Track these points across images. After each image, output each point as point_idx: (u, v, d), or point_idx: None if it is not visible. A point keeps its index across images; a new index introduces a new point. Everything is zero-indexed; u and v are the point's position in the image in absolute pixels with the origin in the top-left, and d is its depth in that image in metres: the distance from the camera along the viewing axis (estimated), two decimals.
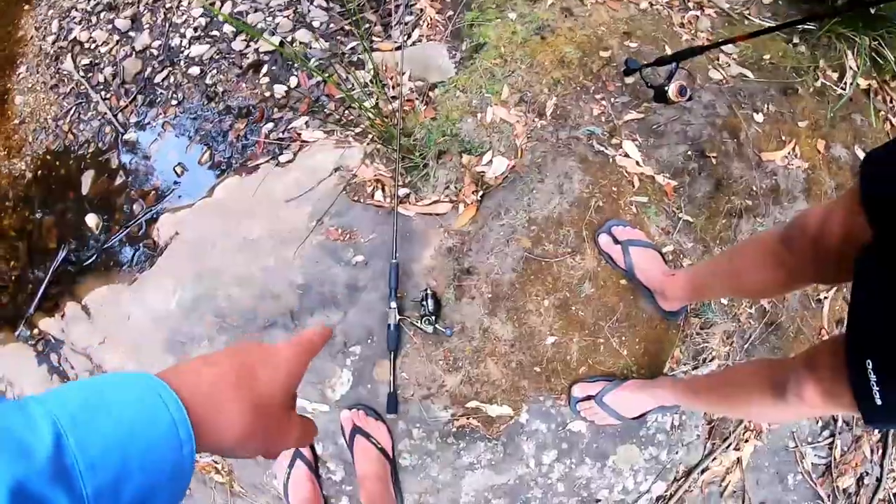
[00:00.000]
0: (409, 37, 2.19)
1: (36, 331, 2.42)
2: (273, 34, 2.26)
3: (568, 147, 2.00)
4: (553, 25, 2.15)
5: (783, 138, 2.33)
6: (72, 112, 2.69)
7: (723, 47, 2.47)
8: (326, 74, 1.96)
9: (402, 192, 1.94)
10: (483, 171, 1.93)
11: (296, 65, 2.18)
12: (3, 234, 2.75)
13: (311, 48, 2.22)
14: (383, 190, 1.96)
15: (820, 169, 2.34)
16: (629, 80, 2.15)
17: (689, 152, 2.17)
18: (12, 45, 3.04)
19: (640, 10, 2.34)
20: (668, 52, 2.28)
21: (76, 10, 2.87)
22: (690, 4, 2.53)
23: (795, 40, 2.63)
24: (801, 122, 2.37)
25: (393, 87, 2.09)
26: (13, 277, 2.66)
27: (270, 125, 2.18)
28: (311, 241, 1.98)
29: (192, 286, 2.12)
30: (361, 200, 1.96)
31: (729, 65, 2.39)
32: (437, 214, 1.92)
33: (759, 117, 2.32)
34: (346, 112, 2.09)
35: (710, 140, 2.21)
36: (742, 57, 2.46)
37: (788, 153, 2.31)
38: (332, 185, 2.01)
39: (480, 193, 1.93)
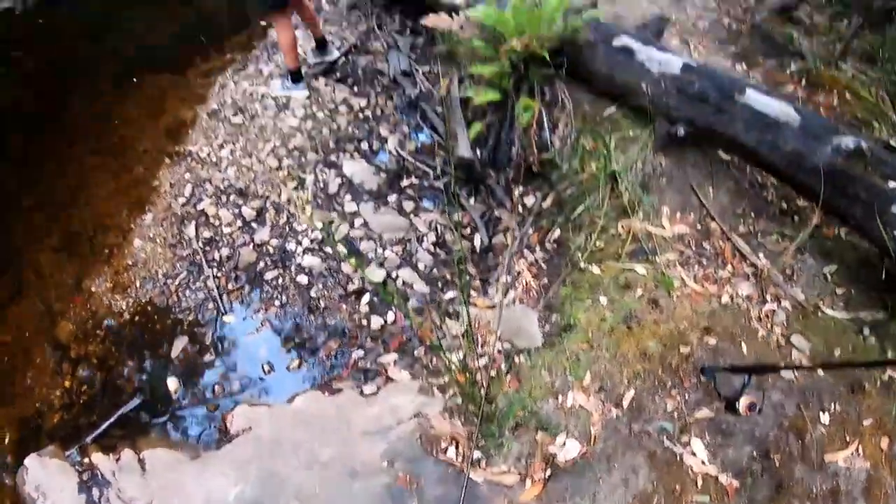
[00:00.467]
0: (505, 295, 2.38)
1: (87, 460, 2.46)
2: (381, 265, 2.49)
3: (639, 441, 2.08)
4: (640, 316, 2.31)
5: (847, 438, 2.34)
6: (182, 276, 2.94)
7: (795, 343, 2.57)
8: (420, 320, 2.13)
9: (475, 455, 2.03)
10: (555, 453, 2.01)
11: (395, 302, 2.37)
12: (86, 357, 2.93)
13: (412, 288, 2.43)
14: (457, 448, 2.05)
15: (881, 468, 2.33)
16: (704, 377, 2.25)
17: (755, 453, 2.21)
18: (147, 190, 3.39)
19: (720, 304, 2.49)
20: (745, 349, 2.40)
21: (210, 183, 3.23)
22: (768, 296, 2.66)
23: (866, 332, 2.70)
24: (865, 420, 2.39)
25: (482, 345, 2.25)
26: (81, 401, 2.80)
27: (361, 353, 2.34)
28: (380, 480, 2.06)
29: (255, 486, 2.19)
30: (435, 454, 2.06)
31: (801, 361, 2.47)
32: (505, 485, 1.99)
33: (825, 417, 2.36)
34: (434, 360, 2.24)
35: (775, 441, 2.25)
36: (814, 353, 2.54)
37: (851, 454, 2.32)
38: (410, 431, 2.13)
39: (549, 472, 2.00)
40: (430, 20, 3.04)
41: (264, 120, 3.60)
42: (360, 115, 3.66)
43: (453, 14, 3.04)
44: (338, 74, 4.06)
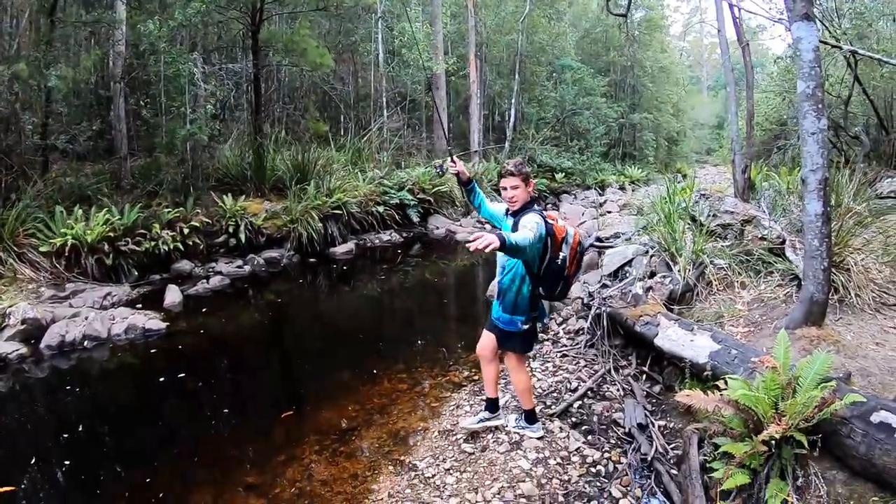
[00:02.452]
0: None
1: None
2: None
3: None
4: None
5: None
6: None
7: None
8: None
9: None
10: None
11: None
12: None
13: None
14: None
15: None
16: None
17: None
18: (364, 492, 3.50)
19: None
20: None
21: None
22: None
23: None
24: None
25: None
26: None
27: None
28: None
29: None
30: None
31: None
32: None
33: None
34: None
35: None
36: None
37: None
38: None
39: None
40: (685, 397, 3.06)
41: (495, 455, 3.70)
42: (593, 470, 3.56)
43: (708, 392, 3.05)
44: (573, 419, 4.16)
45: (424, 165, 14.99)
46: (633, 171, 22.69)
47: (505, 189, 3.43)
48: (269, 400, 4.91)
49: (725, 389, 2.94)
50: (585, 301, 6.54)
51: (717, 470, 2.95)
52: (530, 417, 3.90)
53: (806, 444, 2.62)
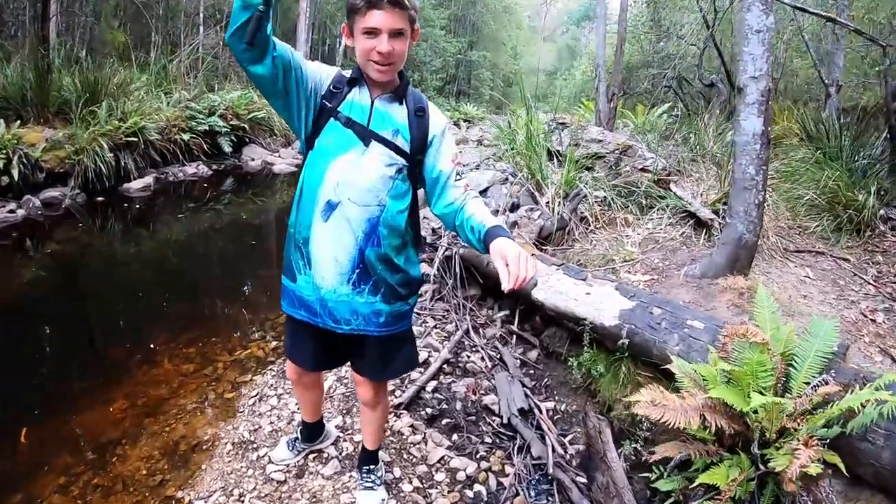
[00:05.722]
0: None
1: None
2: None
3: None
4: None
5: None
6: None
7: None
8: None
9: None
10: None
11: None
12: None
13: None
14: None
15: None
16: None
17: None
18: None
19: None
20: None
21: None
22: None
23: None
24: None
25: None
26: None
27: None
28: None
29: None
30: None
31: None
32: None
33: None
34: None
35: None
36: None
37: None
38: None
39: None
40: (649, 407, 1.81)
41: (318, 482, 2.33)
42: (469, 494, 2.33)
43: (685, 395, 1.87)
44: (428, 410, 2.89)
45: (241, 89, 12.73)
46: (468, 108, 22.06)
47: (375, 34, 1.55)
48: (16, 400, 3.01)
49: (709, 390, 1.80)
50: (429, 240, 5.34)
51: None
52: (375, 458, 2.31)
53: (843, 469, 1.60)
